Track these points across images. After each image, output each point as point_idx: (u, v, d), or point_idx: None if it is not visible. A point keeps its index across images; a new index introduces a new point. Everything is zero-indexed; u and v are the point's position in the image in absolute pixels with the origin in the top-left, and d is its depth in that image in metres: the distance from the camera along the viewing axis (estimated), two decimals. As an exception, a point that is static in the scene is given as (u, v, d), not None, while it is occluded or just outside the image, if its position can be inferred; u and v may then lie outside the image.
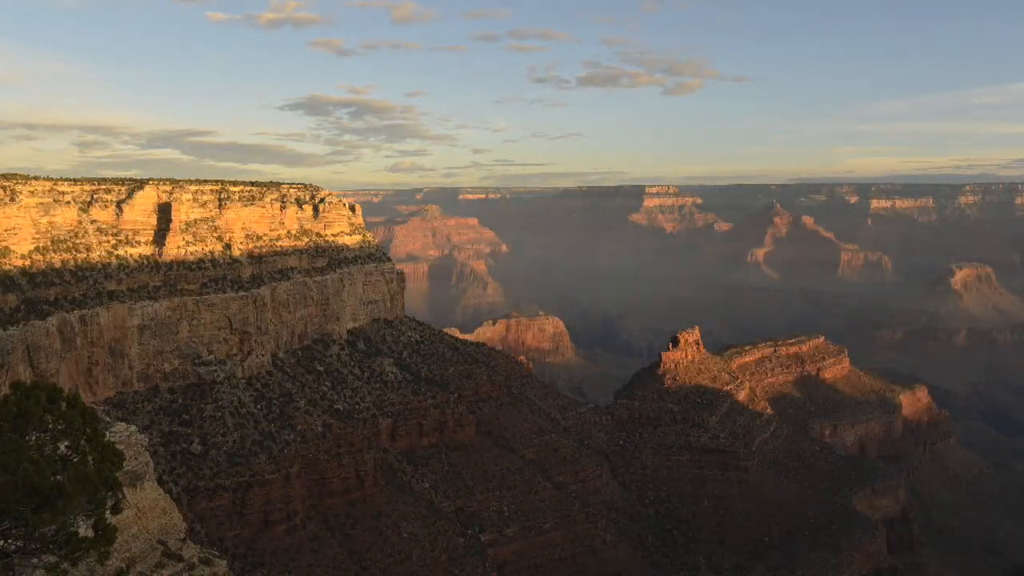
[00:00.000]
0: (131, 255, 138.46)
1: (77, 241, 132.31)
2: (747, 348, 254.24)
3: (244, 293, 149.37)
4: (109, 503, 23.11)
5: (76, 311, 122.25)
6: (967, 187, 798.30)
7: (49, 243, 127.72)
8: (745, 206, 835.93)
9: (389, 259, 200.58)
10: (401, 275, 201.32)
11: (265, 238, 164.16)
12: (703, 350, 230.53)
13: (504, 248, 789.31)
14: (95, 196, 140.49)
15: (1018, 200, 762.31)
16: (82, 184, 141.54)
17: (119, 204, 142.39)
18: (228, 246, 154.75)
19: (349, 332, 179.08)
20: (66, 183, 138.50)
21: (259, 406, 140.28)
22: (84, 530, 22.22)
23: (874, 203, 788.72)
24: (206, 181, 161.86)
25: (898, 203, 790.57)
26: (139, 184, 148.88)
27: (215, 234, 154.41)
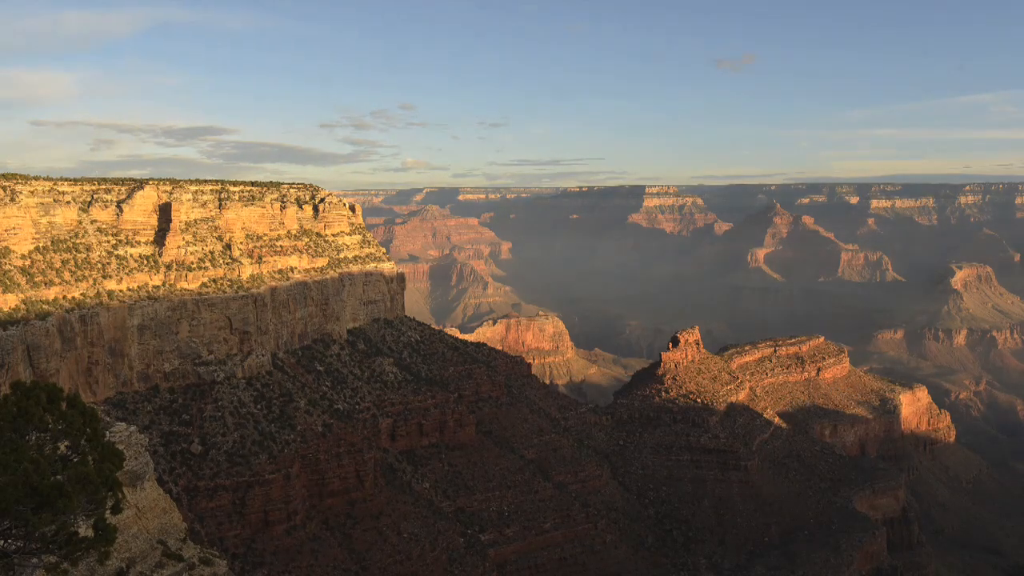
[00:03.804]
0: (131, 255, 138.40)
1: (77, 241, 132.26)
2: (747, 348, 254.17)
3: (244, 293, 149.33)
4: (109, 503, 23.12)
5: (76, 311, 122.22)
6: (967, 187, 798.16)
7: (49, 243, 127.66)
8: (745, 206, 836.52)
9: (389, 259, 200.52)
10: (401, 275, 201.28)
11: (265, 238, 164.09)
12: (703, 350, 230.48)
13: (504, 248, 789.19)
14: (95, 196, 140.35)
15: (1018, 200, 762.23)
16: (82, 184, 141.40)
17: (119, 204, 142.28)
18: (228, 246, 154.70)
19: (349, 332, 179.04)
20: (66, 183, 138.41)
21: (259, 406, 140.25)
22: (84, 530, 22.21)
23: (874, 203, 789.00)
24: (206, 181, 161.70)
25: (898, 203, 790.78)
26: (139, 184, 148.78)
27: (215, 234, 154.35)
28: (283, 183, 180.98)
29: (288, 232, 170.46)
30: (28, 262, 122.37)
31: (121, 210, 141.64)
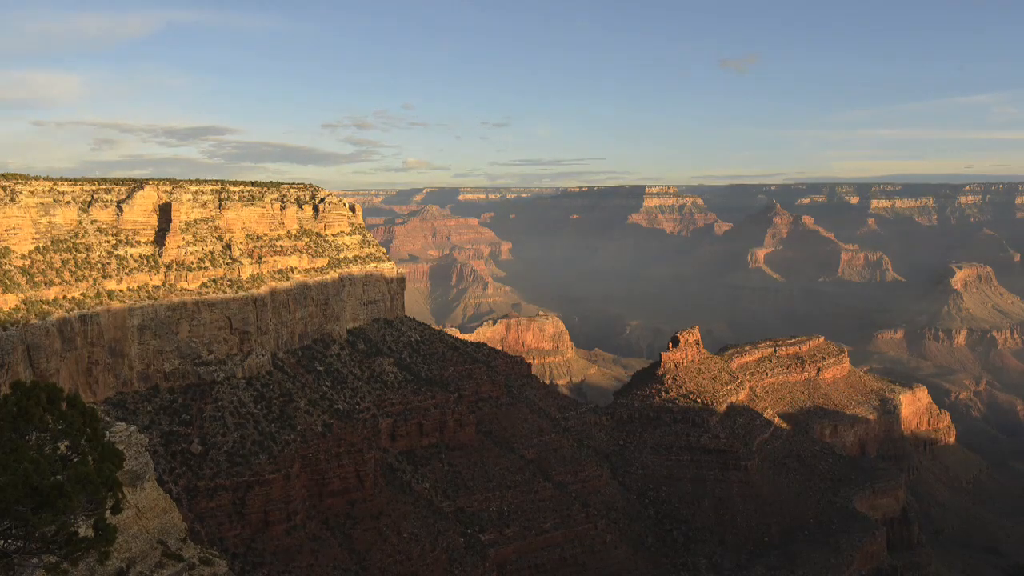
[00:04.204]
0: (131, 255, 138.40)
1: (77, 241, 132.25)
2: (747, 348, 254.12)
3: (244, 293, 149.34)
4: (109, 503, 23.11)
5: (76, 311, 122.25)
6: (967, 187, 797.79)
7: (49, 243, 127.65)
8: (745, 206, 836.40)
9: (389, 259, 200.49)
10: (401, 275, 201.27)
11: (265, 238, 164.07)
12: (703, 350, 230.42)
13: (504, 248, 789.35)
14: (95, 196, 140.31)
15: (1018, 200, 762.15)
16: (82, 184, 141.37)
17: (119, 204, 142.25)
18: (228, 246, 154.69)
19: (349, 332, 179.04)
20: (66, 183, 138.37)
21: (259, 406, 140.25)
22: (84, 530, 22.21)
23: (874, 203, 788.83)
24: (206, 181, 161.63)
25: (898, 203, 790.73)
26: (139, 184, 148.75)
27: (215, 234, 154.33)
28: (283, 183, 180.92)
29: (288, 232, 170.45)
30: (28, 262, 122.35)
31: (121, 210, 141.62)
